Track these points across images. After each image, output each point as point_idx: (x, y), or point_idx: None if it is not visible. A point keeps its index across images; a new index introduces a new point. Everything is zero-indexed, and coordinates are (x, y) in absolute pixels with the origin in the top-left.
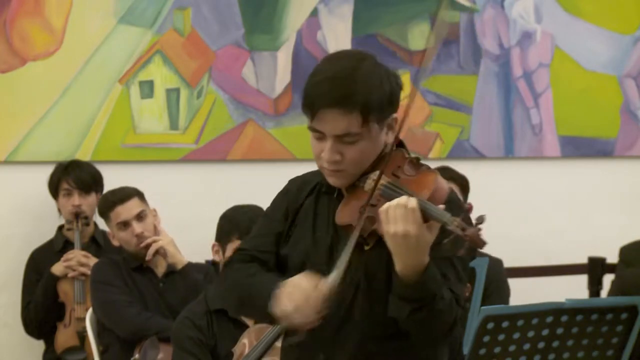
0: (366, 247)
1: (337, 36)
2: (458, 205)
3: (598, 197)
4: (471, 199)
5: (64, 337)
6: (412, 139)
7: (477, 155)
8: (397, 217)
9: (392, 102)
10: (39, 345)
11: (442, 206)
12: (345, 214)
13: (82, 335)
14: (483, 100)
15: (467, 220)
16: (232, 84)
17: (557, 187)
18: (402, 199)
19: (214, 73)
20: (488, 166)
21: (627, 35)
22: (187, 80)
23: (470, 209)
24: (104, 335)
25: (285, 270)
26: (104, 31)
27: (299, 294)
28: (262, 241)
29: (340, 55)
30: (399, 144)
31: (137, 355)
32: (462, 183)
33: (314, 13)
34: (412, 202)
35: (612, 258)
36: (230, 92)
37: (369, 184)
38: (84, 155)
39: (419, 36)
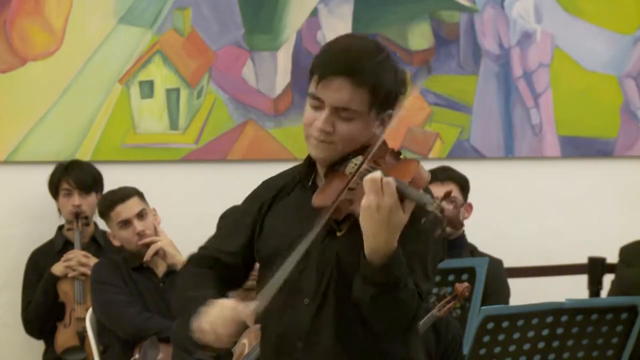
0: (338, 234)
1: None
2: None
3: (598, 197)
4: (471, 199)
5: (64, 337)
6: (412, 139)
7: (477, 155)
8: (372, 189)
9: (396, 98)
10: (39, 345)
11: (421, 191)
12: (323, 196)
13: (82, 335)
14: (483, 100)
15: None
16: (232, 84)
17: (557, 187)
18: (378, 173)
19: (214, 73)
20: (488, 166)
21: (627, 35)
22: (187, 80)
23: (470, 208)
24: (104, 335)
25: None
26: (104, 31)
27: (218, 315)
28: (226, 241)
29: (362, 35)
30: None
31: (137, 355)
32: (462, 183)
33: (314, 13)
34: (389, 177)
35: (612, 258)
36: (230, 92)
37: (350, 167)
38: (84, 155)
39: (419, 36)
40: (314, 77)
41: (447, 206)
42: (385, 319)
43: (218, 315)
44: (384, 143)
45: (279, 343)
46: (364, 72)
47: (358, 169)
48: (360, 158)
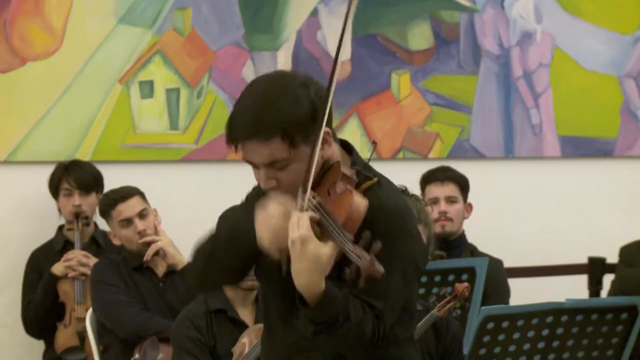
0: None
1: (337, 36)
2: (400, 255)
3: (598, 197)
4: (471, 199)
5: (64, 337)
6: (412, 139)
7: (477, 155)
8: (293, 224)
9: (315, 117)
10: (39, 345)
11: (350, 235)
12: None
13: (82, 335)
14: (483, 100)
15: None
16: (232, 84)
17: (557, 187)
18: (294, 214)
19: (214, 73)
20: (488, 166)
21: (627, 35)
22: (187, 80)
23: (470, 208)
24: (104, 335)
25: None
26: (104, 31)
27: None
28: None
29: (257, 81)
30: (345, 147)
31: (137, 355)
32: (462, 183)
33: (314, 13)
34: (307, 213)
35: (612, 258)
36: (230, 92)
37: (300, 202)
38: (84, 155)
39: (419, 36)
40: (231, 146)
41: (364, 256)
42: (336, 347)
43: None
44: (335, 164)
45: (273, 346)
46: (263, 126)
47: (305, 203)
48: (312, 194)
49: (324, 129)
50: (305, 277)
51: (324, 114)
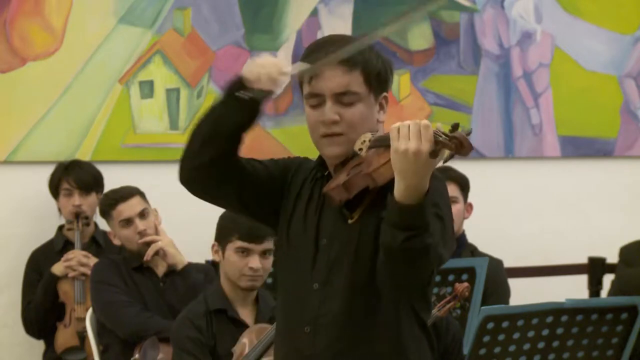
0: (350, 221)
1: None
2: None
3: (598, 197)
4: (471, 199)
5: (64, 337)
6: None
7: (477, 155)
8: (411, 133)
9: (386, 79)
10: (39, 345)
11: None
12: (333, 182)
13: (82, 335)
14: (483, 100)
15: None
16: None
17: (557, 187)
18: (414, 120)
19: (214, 73)
20: (488, 166)
21: (627, 35)
22: (187, 80)
23: (470, 208)
24: (104, 335)
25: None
26: (104, 31)
27: (264, 58)
28: (256, 161)
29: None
30: None
31: (137, 355)
32: (462, 183)
33: (314, 13)
34: (425, 121)
35: (612, 258)
36: None
37: (358, 144)
38: (84, 155)
39: (419, 36)
40: (305, 79)
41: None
42: (410, 268)
43: (264, 59)
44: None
45: (288, 327)
46: (350, 58)
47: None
48: (368, 134)
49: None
50: (417, 180)
51: (391, 81)
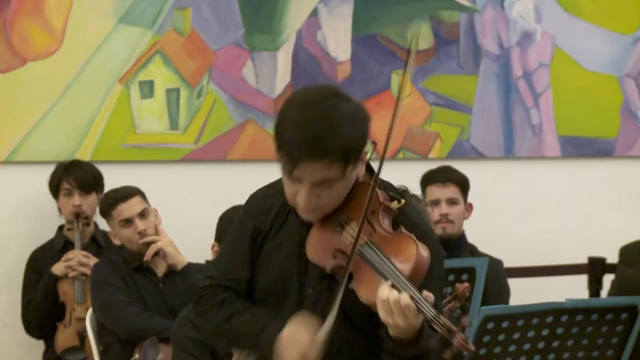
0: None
1: (337, 36)
2: (439, 277)
3: (598, 197)
4: (471, 199)
5: (64, 337)
6: (412, 139)
7: (477, 155)
8: (396, 312)
9: (365, 140)
10: (39, 345)
11: (429, 296)
12: (316, 250)
13: (82, 335)
14: (483, 100)
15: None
16: (232, 84)
17: (557, 187)
18: (393, 295)
19: (214, 73)
20: (488, 166)
21: (627, 35)
22: (187, 80)
23: (470, 208)
24: (104, 335)
25: (251, 294)
26: (104, 31)
27: (298, 349)
28: (232, 268)
29: (311, 98)
30: (367, 168)
31: (137, 355)
32: (463, 184)
33: (314, 13)
34: (405, 299)
35: (612, 258)
36: (230, 92)
37: (345, 235)
38: (84, 155)
39: (419, 36)
40: (283, 159)
41: (456, 332)
42: None
43: (297, 350)
44: (375, 193)
45: None
46: (331, 150)
47: (355, 243)
48: (353, 225)
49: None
50: (407, 331)
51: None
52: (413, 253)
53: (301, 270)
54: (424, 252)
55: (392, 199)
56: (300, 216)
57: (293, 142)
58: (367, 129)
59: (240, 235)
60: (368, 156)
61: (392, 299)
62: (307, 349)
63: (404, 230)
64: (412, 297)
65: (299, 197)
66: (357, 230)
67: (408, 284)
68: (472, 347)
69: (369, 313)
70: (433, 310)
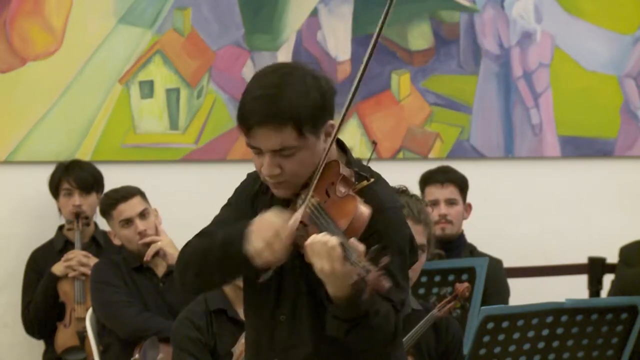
0: (302, 251)
1: (337, 36)
2: (398, 248)
3: (598, 197)
4: (471, 199)
5: (64, 337)
6: (412, 139)
7: (477, 155)
8: (322, 254)
9: (324, 108)
10: (39, 345)
11: (359, 246)
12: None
13: (82, 335)
14: (483, 100)
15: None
16: (232, 84)
17: (557, 187)
18: (324, 237)
19: (214, 73)
20: (488, 166)
21: (627, 35)
22: (187, 80)
23: (469, 208)
24: (104, 335)
25: None
26: (104, 31)
27: (269, 230)
28: (218, 221)
29: (267, 71)
30: (340, 146)
31: (137, 355)
32: (462, 184)
33: (314, 13)
34: (333, 240)
35: (612, 258)
36: (230, 92)
37: (299, 202)
38: (84, 155)
39: (419, 36)
40: (241, 130)
41: (375, 273)
42: (364, 345)
43: (268, 231)
44: (334, 162)
45: (257, 358)
46: (279, 113)
47: (304, 204)
48: (308, 191)
49: (338, 123)
50: (339, 286)
51: (332, 106)
52: (352, 209)
53: None
54: (365, 209)
55: (361, 178)
56: (273, 191)
57: (245, 109)
58: (326, 100)
59: (238, 201)
60: (369, 156)
61: (318, 240)
62: (280, 227)
63: (351, 193)
64: (340, 241)
65: (263, 167)
66: (309, 196)
67: (339, 233)
68: (385, 284)
69: None
70: (355, 255)
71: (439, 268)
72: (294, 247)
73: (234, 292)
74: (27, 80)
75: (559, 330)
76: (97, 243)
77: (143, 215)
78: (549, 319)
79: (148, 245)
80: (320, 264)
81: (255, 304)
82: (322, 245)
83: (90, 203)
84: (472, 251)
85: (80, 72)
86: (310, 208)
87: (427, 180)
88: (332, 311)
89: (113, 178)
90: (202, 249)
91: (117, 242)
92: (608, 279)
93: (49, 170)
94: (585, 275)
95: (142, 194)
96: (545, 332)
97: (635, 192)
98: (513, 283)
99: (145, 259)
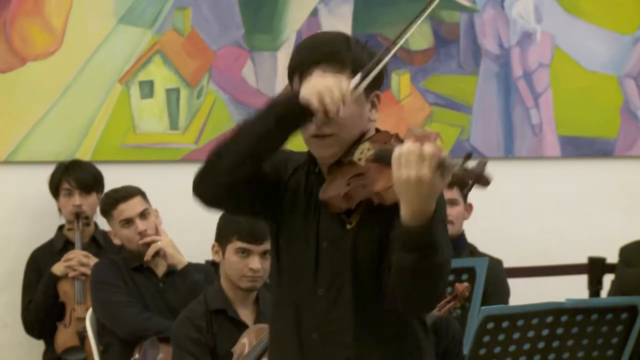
0: (348, 226)
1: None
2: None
3: (598, 197)
4: (471, 199)
5: (64, 337)
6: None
7: (477, 155)
8: (412, 161)
9: (379, 77)
10: (39, 345)
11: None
12: (330, 189)
13: (82, 335)
14: (483, 100)
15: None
16: (232, 84)
17: (557, 187)
18: (416, 144)
19: (214, 73)
20: (488, 166)
21: (627, 35)
22: (187, 80)
23: (470, 209)
24: (104, 335)
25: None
26: (104, 31)
27: (324, 81)
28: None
29: (319, 34)
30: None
31: (137, 355)
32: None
33: (314, 13)
34: (428, 147)
35: (612, 258)
36: (230, 92)
37: (357, 154)
38: (84, 155)
39: (419, 36)
40: (295, 76)
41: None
42: (422, 289)
43: (324, 81)
44: (387, 133)
45: (289, 334)
46: (341, 55)
47: (368, 152)
48: (367, 144)
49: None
50: (422, 204)
51: (382, 77)
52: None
53: (317, 225)
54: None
55: None
56: (317, 153)
57: (303, 49)
58: (379, 59)
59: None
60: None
61: (409, 147)
62: (340, 81)
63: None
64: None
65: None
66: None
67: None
68: (489, 177)
69: (379, 255)
70: (448, 159)
71: None
72: (346, 205)
73: (234, 292)
74: (27, 80)
75: (559, 330)
76: (97, 243)
77: (143, 215)
78: (549, 319)
79: (148, 245)
80: (407, 173)
81: (289, 273)
82: (411, 153)
83: (90, 203)
84: (473, 251)
85: (80, 72)
86: (375, 150)
87: None
88: (403, 240)
89: (113, 178)
90: (237, 127)
91: (117, 242)
92: (608, 279)
93: (49, 170)
94: (585, 275)
95: (142, 194)
96: (545, 332)
97: (635, 192)
98: (513, 283)
99: (145, 259)
